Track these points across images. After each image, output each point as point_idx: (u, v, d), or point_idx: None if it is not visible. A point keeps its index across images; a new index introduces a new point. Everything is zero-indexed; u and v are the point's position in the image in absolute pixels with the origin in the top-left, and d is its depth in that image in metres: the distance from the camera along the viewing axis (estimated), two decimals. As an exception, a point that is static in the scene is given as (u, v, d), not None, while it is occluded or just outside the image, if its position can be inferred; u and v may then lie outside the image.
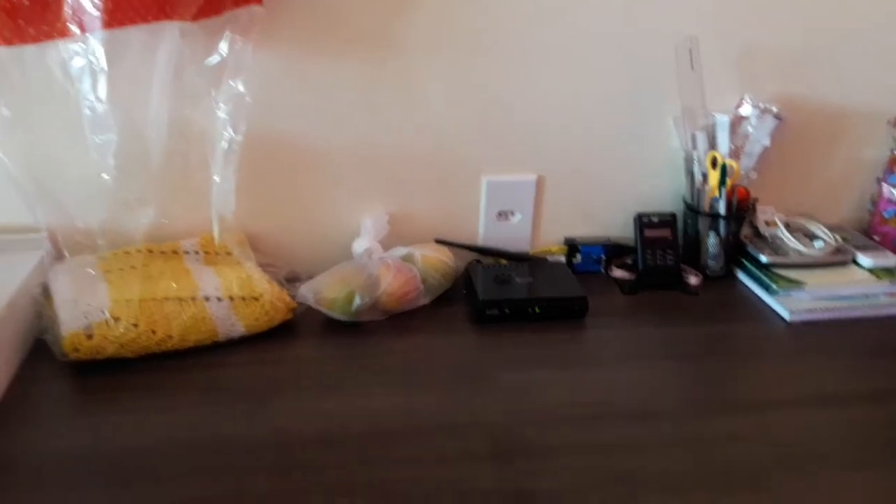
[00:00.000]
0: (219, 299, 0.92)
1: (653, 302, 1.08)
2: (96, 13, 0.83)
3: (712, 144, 1.10)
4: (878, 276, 1.09)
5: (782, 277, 1.08)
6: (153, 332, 0.88)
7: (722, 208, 1.10)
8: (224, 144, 0.94)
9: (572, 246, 1.16)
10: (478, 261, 1.13)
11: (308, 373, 0.89)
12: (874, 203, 1.22)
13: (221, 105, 0.93)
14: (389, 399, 0.85)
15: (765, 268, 1.11)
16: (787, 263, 1.11)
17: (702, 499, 0.72)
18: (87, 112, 0.88)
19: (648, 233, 1.13)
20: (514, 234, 1.16)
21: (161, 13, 0.86)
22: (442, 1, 1.00)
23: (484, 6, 1.01)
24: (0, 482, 0.71)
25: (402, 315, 1.01)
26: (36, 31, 0.85)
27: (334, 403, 0.84)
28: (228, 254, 1.02)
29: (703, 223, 1.13)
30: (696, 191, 1.12)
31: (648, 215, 1.14)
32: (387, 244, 1.08)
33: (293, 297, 0.98)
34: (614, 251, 1.17)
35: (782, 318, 1.04)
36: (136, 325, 0.87)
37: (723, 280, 1.14)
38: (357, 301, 0.97)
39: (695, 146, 1.10)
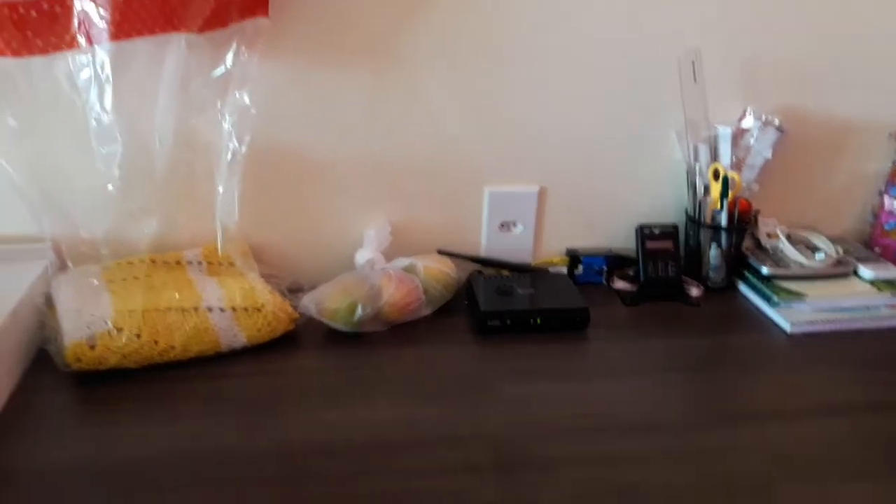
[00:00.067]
0: (221, 310, 0.92)
1: (654, 313, 1.08)
2: (104, 25, 0.84)
3: (714, 156, 1.10)
4: (879, 288, 1.09)
5: (783, 289, 1.08)
6: (156, 342, 0.88)
7: (724, 220, 1.10)
8: (228, 155, 0.95)
9: (574, 257, 1.16)
10: (479, 272, 1.13)
11: (310, 383, 0.89)
12: (875, 215, 1.22)
13: (226, 116, 0.94)
14: (391, 410, 0.85)
15: (766, 279, 1.11)
16: (789, 275, 1.11)
17: (704, 511, 0.72)
18: (94, 123, 0.89)
19: (650, 244, 1.13)
20: (516, 245, 1.17)
21: (168, 25, 0.87)
22: (446, 14, 1.00)
23: (487, 20, 1.02)
24: (2, 493, 0.71)
25: (404, 326, 1.02)
26: (44, 43, 0.85)
27: (336, 414, 0.84)
28: (231, 264, 1.03)
29: (704, 235, 1.13)
30: (697, 203, 1.12)
31: (650, 227, 1.14)
32: (389, 255, 1.08)
33: (295, 307, 0.98)
34: (616, 262, 1.17)
35: (783, 330, 1.04)
36: (138, 336, 0.87)
37: (724, 292, 1.15)
38: (359, 312, 0.97)
39: (697, 158, 1.10)
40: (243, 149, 0.95)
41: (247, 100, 0.93)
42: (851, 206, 1.25)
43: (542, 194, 1.15)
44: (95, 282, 0.94)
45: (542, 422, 0.84)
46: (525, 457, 0.78)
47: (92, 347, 0.85)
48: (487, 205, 1.13)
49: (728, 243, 1.12)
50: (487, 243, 1.16)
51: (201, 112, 0.94)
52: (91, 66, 0.86)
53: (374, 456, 0.77)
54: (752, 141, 1.09)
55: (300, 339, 0.98)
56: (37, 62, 0.87)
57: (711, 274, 1.14)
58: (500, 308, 1.02)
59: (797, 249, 1.13)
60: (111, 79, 0.87)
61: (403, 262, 1.07)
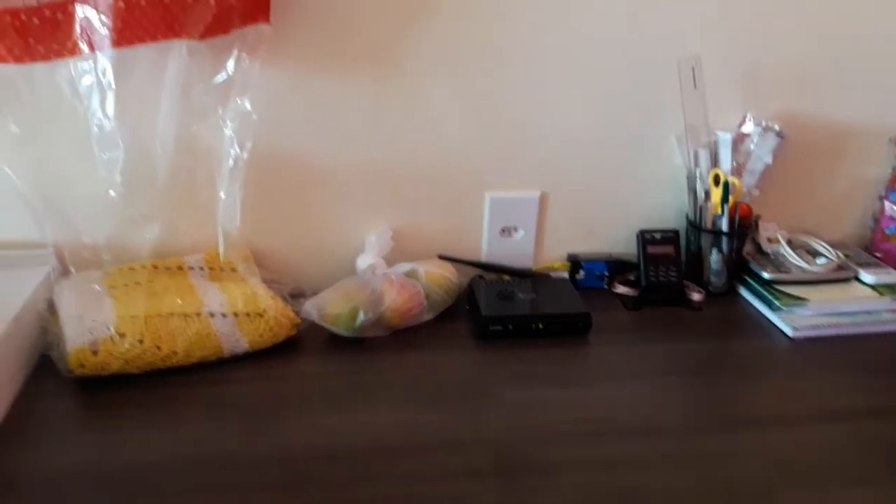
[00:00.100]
0: (223, 315, 0.93)
1: (656, 318, 1.09)
2: (106, 32, 0.84)
3: (715, 162, 1.11)
4: (880, 293, 1.09)
5: (785, 294, 1.08)
6: (158, 347, 0.88)
7: (724, 225, 1.10)
8: (230, 161, 0.95)
9: (575, 262, 1.17)
10: (481, 276, 1.14)
11: (312, 389, 0.90)
12: (876, 220, 1.22)
13: (228, 122, 0.94)
14: (393, 415, 0.85)
15: (767, 284, 1.11)
16: (790, 280, 1.11)
17: (705, 516, 0.72)
18: (95, 129, 0.89)
19: (651, 249, 1.14)
20: (518, 251, 1.17)
21: (170, 32, 0.87)
22: (447, 20, 1.01)
23: (488, 27, 1.02)
24: (6, 498, 0.72)
25: (406, 331, 1.02)
26: (46, 50, 0.86)
27: (338, 419, 0.84)
28: (233, 270, 1.03)
29: (705, 240, 1.13)
30: (698, 208, 1.13)
31: (651, 232, 1.14)
32: (391, 260, 1.08)
33: (297, 312, 0.98)
34: (617, 267, 1.17)
35: (785, 335, 1.04)
36: (141, 341, 0.87)
37: (725, 296, 1.15)
38: (361, 317, 0.97)
39: (697, 164, 1.11)
40: (245, 155, 0.96)
41: (248, 106, 0.94)
42: (852, 211, 1.25)
43: (542, 200, 1.15)
44: (98, 287, 0.94)
45: (544, 426, 0.84)
46: (526, 461, 0.78)
47: (94, 353, 0.86)
48: (488, 210, 1.13)
49: (729, 248, 1.12)
50: (488, 248, 1.16)
51: (203, 118, 0.94)
52: (93, 72, 0.87)
53: (376, 461, 0.78)
54: (752, 146, 1.10)
55: (302, 344, 0.98)
56: (39, 69, 0.87)
57: (713, 279, 1.15)
58: (501, 313, 1.02)
59: (798, 254, 1.14)
60: (113, 85, 0.87)
61: (405, 267, 1.07)
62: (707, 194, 1.11)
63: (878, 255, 1.20)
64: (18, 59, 0.86)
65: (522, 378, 0.93)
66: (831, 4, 1.09)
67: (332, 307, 0.98)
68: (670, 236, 1.14)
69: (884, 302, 1.08)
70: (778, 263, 1.14)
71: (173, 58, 0.89)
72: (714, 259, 1.13)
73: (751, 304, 1.12)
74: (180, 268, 1.02)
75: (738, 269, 1.15)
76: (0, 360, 0.83)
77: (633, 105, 1.11)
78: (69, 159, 0.93)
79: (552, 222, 1.17)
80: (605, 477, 0.76)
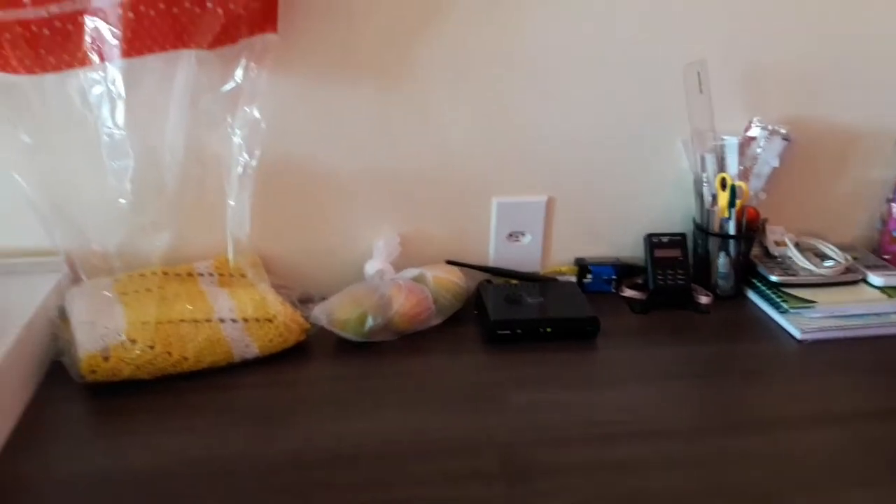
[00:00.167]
0: (233, 321, 0.93)
1: (664, 321, 1.09)
2: (115, 42, 0.85)
3: (721, 166, 1.11)
4: (889, 295, 1.09)
5: (793, 296, 1.08)
6: (169, 353, 0.89)
7: (732, 229, 1.10)
8: (239, 169, 0.96)
9: (583, 266, 1.17)
10: (488, 281, 1.14)
11: (321, 393, 0.90)
12: (883, 222, 1.22)
13: (237, 130, 0.95)
14: (401, 419, 0.86)
15: (775, 287, 1.11)
16: (798, 283, 1.11)
17: (714, 519, 0.73)
18: (105, 138, 0.90)
19: (659, 253, 1.14)
20: (525, 255, 1.17)
21: (178, 42, 0.88)
22: (453, 27, 1.01)
23: (494, 33, 1.02)
24: (19, 503, 0.72)
25: (414, 335, 1.02)
26: (56, 61, 0.87)
27: (347, 424, 0.84)
28: (243, 276, 1.04)
29: (713, 243, 1.13)
30: (705, 211, 1.13)
31: (659, 235, 1.15)
32: (399, 265, 1.09)
33: (306, 318, 0.99)
34: (625, 271, 1.17)
35: (793, 337, 1.04)
36: (152, 347, 0.88)
37: (733, 300, 1.15)
38: (369, 322, 0.98)
39: (704, 168, 1.11)
40: (254, 162, 0.96)
41: (257, 114, 0.95)
42: (859, 213, 1.25)
43: (549, 204, 1.15)
44: (108, 294, 0.95)
45: (552, 430, 0.84)
46: (534, 465, 0.78)
47: (106, 359, 0.86)
48: (496, 215, 1.14)
49: (736, 251, 1.12)
50: (496, 253, 1.17)
51: (212, 127, 0.95)
52: (103, 82, 0.88)
53: (385, 465, 0.78)
54: (758, 150, 1.10)
55: (311, 349, 0.99)
56: (49, 79, 0.88)
57: (720, 282, 1.15)
58: (509, 317, 1.02)
59: (805, 257, 1.13)
60: (123, 95, 0.88)
61: (413, 272, 1.08)
62: (714, 198, 1.11)
63: (886, 257, 1.20)
64: (29, 70, 0.87)
65: (530, 382, 0.93)
66: (836, 7, 1.09)
67: (340, 312, 0.99)
68: (678, 240, 1.15)
69: (892, 304, 1.07)
70: (785, 266, 1.14)
71: (182, 67, 0.90)
72: (721, 262, 1.13)
73: (758, 307, 1.12)
74: (190, 274, 1.03)
75: (746, 273, 1.15)
76: (12, 366, 0.84)
77: (639, 110, 1.11)
78: (79, 168, 0.93)
79: (559, 226, 1.17)
80: (614, 480, 0.77)
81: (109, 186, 0.92)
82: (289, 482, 0.75)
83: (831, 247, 1.17)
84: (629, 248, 1.19)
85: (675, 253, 1.14)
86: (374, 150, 1.07)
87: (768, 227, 1.18)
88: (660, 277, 1.13)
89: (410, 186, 1.10)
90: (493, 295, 1.07)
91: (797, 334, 1.03)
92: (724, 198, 1.09)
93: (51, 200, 0.95)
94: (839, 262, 1.13)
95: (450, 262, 1.13)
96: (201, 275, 1.04)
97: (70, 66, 0.87)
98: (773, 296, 1.09)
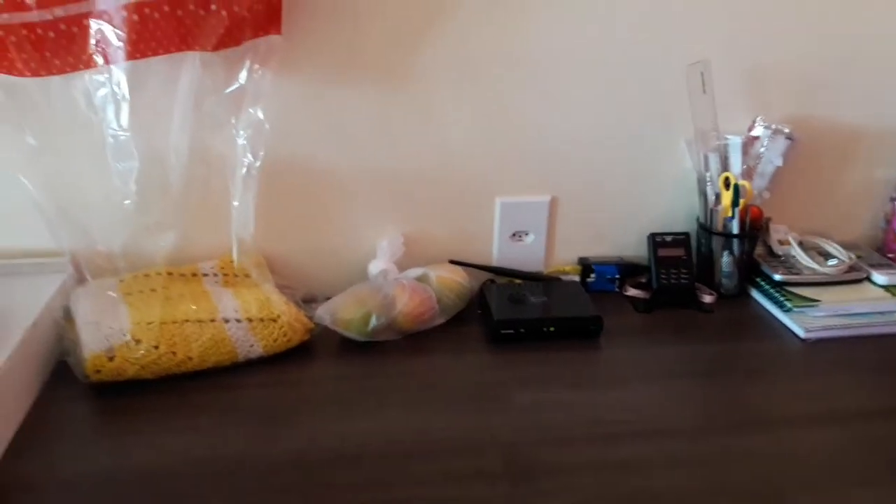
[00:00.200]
0: (238, 321, 0.94)
1: (667, 320, 1.09)
2: (120, 45, 0.86)
3: (725, 165, 1.11)
4: (892, 294, 1.09)
5: (796, 295, 1.08)
6: (173, 353, 0.89)
7: (735, 228, 1.10)
8: (243, 170, 0.96)
9: (586, 265, 1.17)
10: (492, 280, 1.14)
11: (325, 393, 0.90)
12: (887, 221, 1.22)
13: (241, 132, 0.96)
14: (405, 418, 0.86)
15: (779, 286, 1.11)
16: (801, 281, 1.11)
17: (717, 517, 0.73)
18: (110, 140, 0.91)
19: (662, 252, 1.14)
20: (528, 255, 1.17)
21: (183, 44, 0.88)
22: (458, 27, 1.01)
23: (497, 33, 1.03)
24: (23, 503, 0.73)
25: (418, 335, 1.02)
26: (61, 63, 0.87)
27: (351, 423, 0.85)
28: (247, 276, 1.04)
29: (716, 242, 1.13)
30: (709, 211, 1.13)
31: (662, 234, 1.15)
32: (402, 265, 1.09)
33: (310, 318, 0.99)
34: (628, 270, 1.17)
35: (797, 336, 1.04)
36: (156, 347, 0.89)
37: (737, 298, 1.15)
38: (373, 321, 0.98)
39: (707, 167, 1.11)
40: (258, 163, 0.97)
41: (261, 115, 0.95)
42: (863, 212, 1.25)
43: (553, 204, 1.15)
44: (113, 294, 0.96)
45: (555, 429, 0.84)
46: (538, 464, 0.79)
47: (111, 359, 0.87)
48: (499, 215, 1.14)
49: (740, 250, 1.12)
50: (499, 253, 1.17)
51: (216, 128, 0.95)
52: (108, 84, 0.88)
53: (388, 464, 0.78)
54: (762, 149, 1.10)
55: (315, 349, 0.99)
56: (55, 81, 0.88)
57: (724, 281, 1.15)
58: (512, 317, 1.02)
59: (809, 256, 1.13)
60: (127, 97, 0.89)
61: (416, 272, 1.08)
62: (717, 197, 1.11)
63: (890, 255, 1.20)
64: (35, 73, 0.87)
65: (534, 381, 0.93)
66: (839, 6, 1.09)
67: (344, 312, 0.99)
68: (681, 239, 1.15)
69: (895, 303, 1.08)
70: (789, 265, 1.14)
71: (186, 69, 0.90)
72: (725, 261, 1.13)
73: (762, 306, 1.12)
74: (195, 274, 1.04)
75: (750, 272, 1.15)
76: (18, 366, 0.84)
77: (642, 109, 1.11)
78: (84, 170, 0.94)
79: (563, 226, 1.17)
80: (617, 479, 0.77)
81: (114, 187, 0.92)
82: (292, 482, 0.76)
83: (835, 245, 1.17)
84: (632, 247, 1.19)
85: (679, 252, 1.14)
86: (378, 151, 1.07)
87: (772, 226, 1.18)
88: (663, 277, 1.13)
89: (414, 186, 1.10)
90: (497, 294, 1.08)
91: (801, 333, 1.03)
92: (727, 197, 1.09)
93: (56, 202, 0.95)
94: (843, 261, 1.13)
95: (453, 262, 1.13)
96: (206, 275, 1.04)
97: (75, 68, 0.88)
98: (776, 295, 1.09)
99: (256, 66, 0.93)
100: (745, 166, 1.10)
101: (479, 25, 1.02)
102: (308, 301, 1.03)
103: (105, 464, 0.78)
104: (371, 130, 1.06)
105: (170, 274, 1.02)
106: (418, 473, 0.77)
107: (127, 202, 0.93)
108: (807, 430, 0.85)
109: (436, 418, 0.86)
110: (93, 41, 0.86)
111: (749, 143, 1.10)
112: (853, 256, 1.15)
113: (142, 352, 0.88)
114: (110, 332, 0.89)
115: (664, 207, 1.18)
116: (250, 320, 0.94)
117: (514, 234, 1.16)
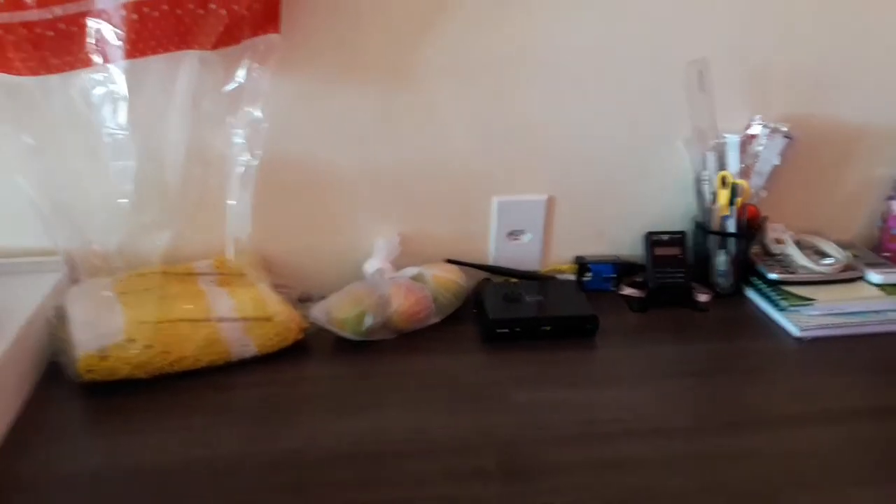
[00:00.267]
0: (233, 320, 0.94)
1: (663, 319, 1.09)
2: (119, 44, 0.86)
3: (722, 164, 1.11)
4: (887, 293, 1.09)
5: (792, 294, 1.08)
6: (167, 352, 0.89)
7: (732, 227, 1.11)
8: (240, 169, 0.96)
9: (582, 265, 1.17)
10: (488, 279, 1.14)
11: (320, 392, 0.90)
12: (884, 220, 1.22)
13: (238, 130, 0.95)
14: (400, 418, 0.86)
15: (774, 285, 1.11)
16: (797, 280, 1.11)
17: (711, 516, 0.73)
18: (108, 139, 0.90)
19: (658, 251, 1.14)
20: (525, 254, 1.17)
21: (181, 43, 0.88)
22: (457, 27, 1.01)
23: (495, 33, 1.03)
24: (15, 502, 0.73)
25: (413, 334, 1.02)
26: (60, 62, 0.87)
27: (346, 422, 0.85)
28: (242, 275, 1.04)
29: (712, 241, 1.13)
30: (706, 209, 1.13)
31: (658, 233, 1.15)
32: (398, 264, 1.09)
33: (305, 317, 0.99)
34: (624, 269, 1.17)
35: (792, 335, 1.04)
36: (150, 347, 0.88)
37: (732, 297, 1.15)
38: (368, 320, 0.98)
39: (705, 166, 1.11)
40: (255, 162, 0.97)
41: (259, 114, 0.95)
42: (860, 211, 1.25)
43: (550, 203, 1.15)
44: (108, 294, 0.95)
45: (551, 428, 0.84)
46: (534, 463, 0.79)
47: (104, 358, 0.87)
48: (496, 214, 1.14)
49: (736, 249, 1.12)
50: (496, 252, 1.17)
51: (214, 127, 0.95)
52: (105, 83, 0.88)
53: (384, 463, 0.78)
54: (760, 148, 1.10)
55: (310, 348, 0.99)
56: (53, 80, 0.88)
57: (720, 280, 1.15)
58: (508, 316, 1.02)
59: (805, 255, 1.14)
60: (125, 96, 0.88)
61: (412, 271, 1.08)
62: (714, 196, 1.11)
63: (885, 254, 1.20)
64: (33, 72, 0.87)
65: (529, 380, 0.94)
66: (837, 5, 1.09)
67: (339, 311, 0.99)
68: (678, 238, 1.15)
69: (891, 302, 1.07)
70: (785, 264, 1.14)
71: (185, 68, 0.90)
72: (721, 260, 1.13)
73: (757, 305, 1.12)
74: (190, 273, 1.03)
75: (746, 271, 1.15)
76: (10, 365, 0.84)
77: (640, 108, 1.11)
78: (82, 169, 0.94)
79: (559, 225, 1.17)
80: (613, 478, 0.77)
81: (111, 186, 0.92)
82: (287, 481, 0.76)
83: (831, 244, 1.17)
84: (629, 246, 1.19)
85: (675, 251, 1.14)
86: (374, 150, 1.07)
87: (768, 225, 1.18)
88: (659, 275, 1.13)
89: (411, 185, 1.10)
90: (492, 293, 1.08)
91: (796, 332, 1.03)
92: (724, 196, 1.09)
93: (52, 201, 0.95)
94: (838, 260, 1.13)
95: (449, 261, 1.13)
96: (201, 274, 1.04)
97: (73, 67, 0.88)
98: (772, 294, 1.09)
99: (255, 65, 0.93)
100: (742, 165, 1.10)
101: (478, 25, 1.02)
102: (304, 300, 1.03)
103: (98, 463, 0.78)
104: (368, 130, 1.06)
105: (165, 273, 1.02)
106: (413, 472, 0.77)
107: (123, 201, 0.93)
108: (802, 429, 0.85)
109: (431, 418, 0.86)
110: (91, 40, 0.86)
111: (747, 141, 1.10)
112: (849, 255, 1.15)
113: (135, 351, 0.87)
114: (104, 331, 0.88)
115: (661, 206, 1.18)
116: (245, 319, 0.94)
117: (510, 233, 1.16)
